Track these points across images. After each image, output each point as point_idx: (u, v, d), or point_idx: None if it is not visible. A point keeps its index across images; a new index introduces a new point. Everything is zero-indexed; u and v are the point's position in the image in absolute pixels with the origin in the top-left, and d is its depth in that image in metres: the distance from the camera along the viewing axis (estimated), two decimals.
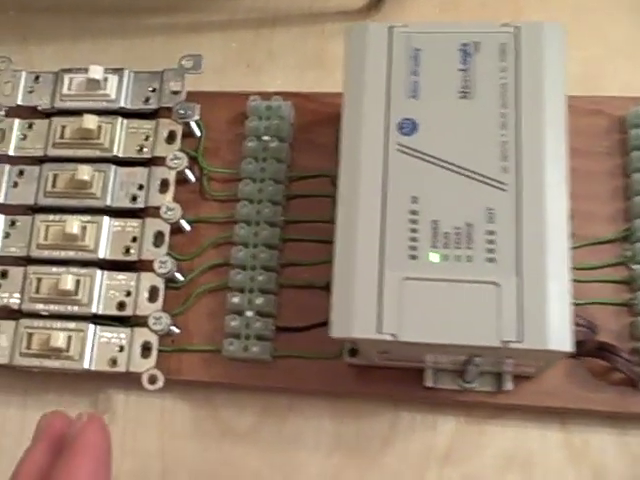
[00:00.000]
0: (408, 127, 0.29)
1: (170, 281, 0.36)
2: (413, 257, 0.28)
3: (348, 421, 0.36)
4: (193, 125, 0.38)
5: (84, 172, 0.36)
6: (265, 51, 0.42)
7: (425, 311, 0.28)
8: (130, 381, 0.37)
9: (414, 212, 0.29)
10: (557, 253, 0.28)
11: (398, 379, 0.34)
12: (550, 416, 0.35)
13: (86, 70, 0.38)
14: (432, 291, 0.28)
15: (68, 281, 0.35)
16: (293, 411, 0.36)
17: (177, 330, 0.36)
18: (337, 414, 0.36)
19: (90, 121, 0.37)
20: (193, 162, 0.38)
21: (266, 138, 0.37)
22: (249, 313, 0.35)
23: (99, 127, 0.37)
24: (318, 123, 0.38)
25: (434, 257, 0.28)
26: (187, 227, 0.37)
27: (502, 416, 0.35)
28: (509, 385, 0.33)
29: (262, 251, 0.36)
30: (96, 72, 0.37)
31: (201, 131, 0.39)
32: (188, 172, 0.37)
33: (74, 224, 0.36)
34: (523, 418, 0.35)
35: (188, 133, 0.38)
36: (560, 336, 0.27)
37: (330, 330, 0.28)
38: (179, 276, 0.37)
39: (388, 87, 0.30)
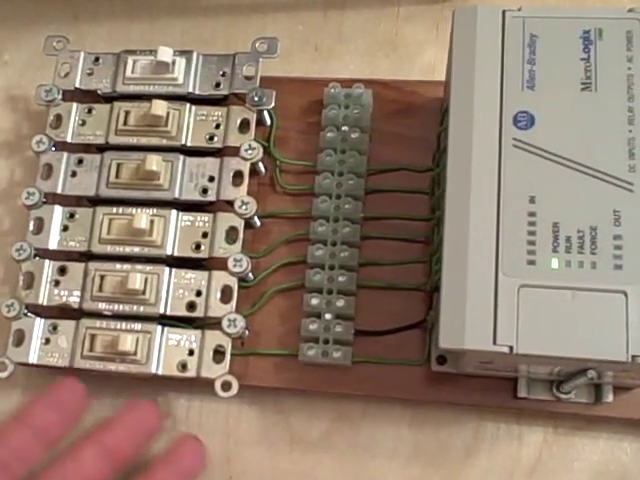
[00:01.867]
0: (524, 121, 0.27)
1: (241, 280, 0.34)
2: (531, 262, 0.26)
3: (428, 430, 0.34)
4: (265, 113, 0.36)
5: (152, 162, 0.33)
6: (335, 34, 0.40)
7: (544, 321, 0.26)
8: (192, 385, 0.34)
9: (532, 214, 0.26)
10: None
11: (486, 388, 0.32)
12: None
13: (151, 52, 0.36)
14: (552, 300, 0.26)
15: (137, 280, 0.32)
16: (368, 418, 0.34)
17: (247, 332, 0.34)
18: (416, 422, 0.34)
19: (159, 107, 0.34)
20: (263, 152, 0.35)
21: (345, 128, 0.35)
22: (328, 316, 0.33)
23: (167, 114, 0.35)
24: (398, 113, 0.36)
25: (554, 263, 0.26)
26: (258, 222, 0.35)
27: (593, 428, 0.33)
28: (609, 397, 0.31)
29: (342, 250, 0.33)
30: (165, 54, 0.35)
31: (272, 119, 0.36)
32: (260, 163, 0.35)
33: (142, 218, 0.33)
34: (616, 430, 0.33)
35: (257, 121, 0.36)
36: None
37: (439, 341, 0.26)
38: (251, 275, 0.34)
39: (502, 77, 0.28)
